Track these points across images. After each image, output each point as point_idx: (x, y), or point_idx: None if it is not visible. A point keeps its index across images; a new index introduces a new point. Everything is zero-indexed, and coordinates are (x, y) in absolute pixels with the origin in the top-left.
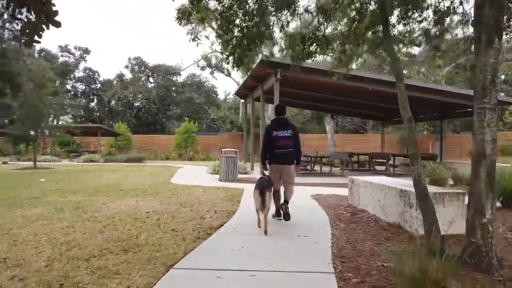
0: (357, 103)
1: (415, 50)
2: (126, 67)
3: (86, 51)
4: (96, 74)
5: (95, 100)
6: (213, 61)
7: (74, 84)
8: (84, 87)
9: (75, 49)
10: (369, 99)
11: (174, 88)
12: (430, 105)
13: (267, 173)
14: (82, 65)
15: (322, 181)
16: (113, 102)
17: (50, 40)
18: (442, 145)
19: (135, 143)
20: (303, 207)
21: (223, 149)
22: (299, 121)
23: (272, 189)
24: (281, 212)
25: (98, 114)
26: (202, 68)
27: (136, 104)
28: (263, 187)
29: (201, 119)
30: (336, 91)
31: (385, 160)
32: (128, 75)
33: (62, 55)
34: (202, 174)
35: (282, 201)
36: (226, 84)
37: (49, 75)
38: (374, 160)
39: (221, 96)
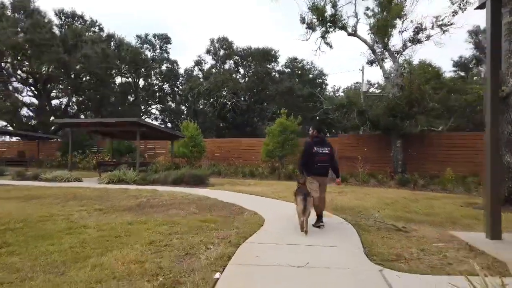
0: None
1: None
2: (208, 51)
3: (167, 39)
4: (175, 64)
5: (184, 102)
6: (329, 10)
7: (160, 84)
8: (168, 87)
9: (155, 38)
10: None
11: (268, 78)
12: None
13: (301, 181)
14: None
15: None
16: (200, 102)
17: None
18: None
19: (211, 150)
20: None
21: None
22: None
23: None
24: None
25: (187, 117)
26: (309, 26)
27: (220, 100)
28: (305, 193)
29: (303, 118)
30: None
31: None
32: (209, 61)
33: (142, 48)
34: None
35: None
36: (342, 61)
37: None
38: None
39: (330, 92)
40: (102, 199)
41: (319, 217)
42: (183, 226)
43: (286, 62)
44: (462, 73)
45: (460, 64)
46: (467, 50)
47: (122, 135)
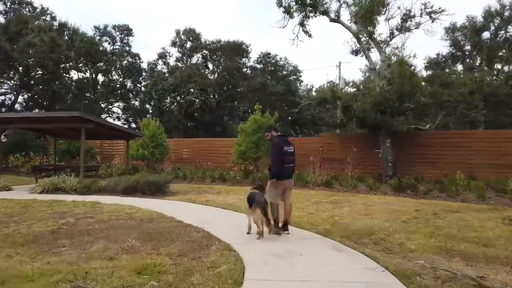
0: None
1: None
2: (173, 44)
3: (128, 31)
4: (137, 58)
5: (148, 100)
6: None
7: (122, 80)
8: (131, 83)
9: (115, 29)
10: None
11: (239, 74)
12: None
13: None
14: (125, 54)
15: None
16: (167, 100)
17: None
18: None
19: (176, 151)
20: None
21: None
22: None
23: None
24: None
25: (152, 116)
26: (287, 11)
27: (187, 97)
28: (264, 203)
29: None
30: None
31: None
32: (175, 54)
33: (100, 40)
34: None
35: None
36: (322, 57)
37: None
38: None
39: (303, 90)
40: (11, 220)
41: (285, 224)
42: (99, 287)
43: (258, 58)
44: (437, 70)
45: (437, 62)
46: (444, 47)
47: (68, 134)
